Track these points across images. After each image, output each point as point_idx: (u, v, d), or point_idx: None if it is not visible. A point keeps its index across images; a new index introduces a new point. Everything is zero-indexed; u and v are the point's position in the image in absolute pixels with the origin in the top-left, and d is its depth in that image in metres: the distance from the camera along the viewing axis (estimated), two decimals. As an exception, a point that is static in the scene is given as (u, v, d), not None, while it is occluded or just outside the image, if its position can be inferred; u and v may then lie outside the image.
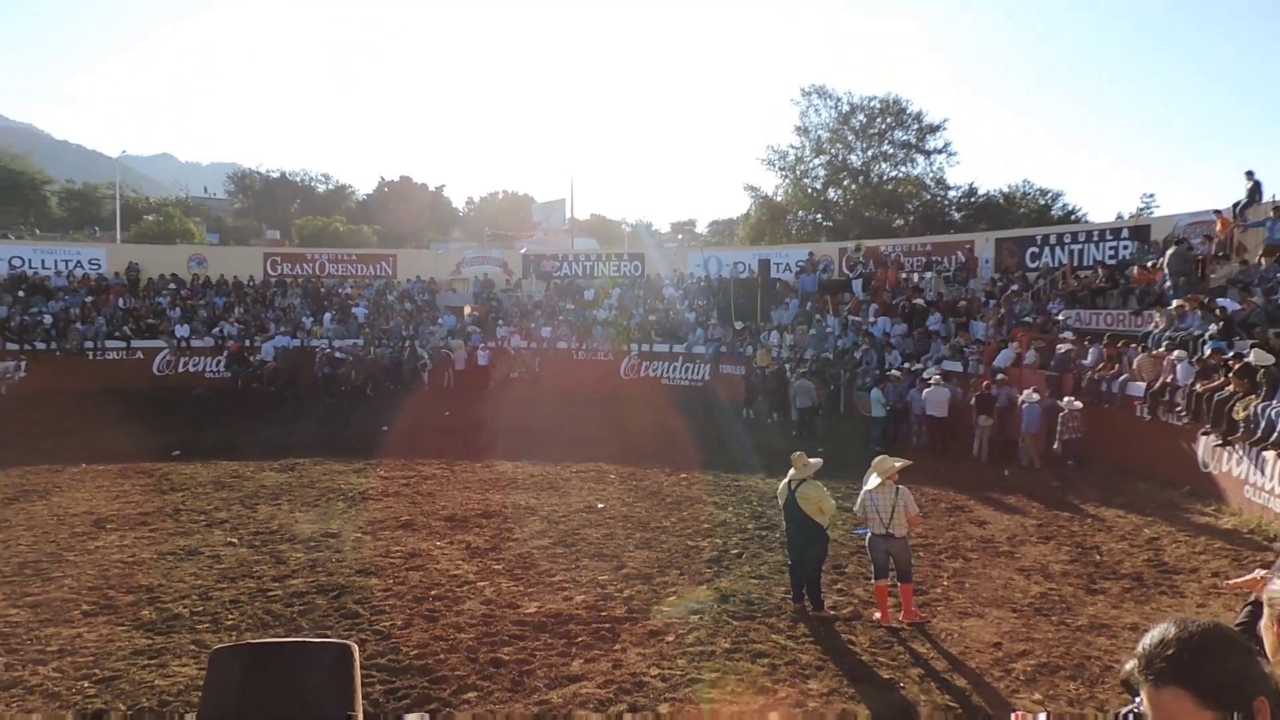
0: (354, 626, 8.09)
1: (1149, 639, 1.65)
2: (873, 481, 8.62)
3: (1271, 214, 18.40)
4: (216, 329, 27.48)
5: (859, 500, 8.78)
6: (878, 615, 8.46)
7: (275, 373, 24.77)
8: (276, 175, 75.62)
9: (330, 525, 11.62)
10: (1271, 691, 1.61)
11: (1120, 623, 8.34)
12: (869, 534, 8.63)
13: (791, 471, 8.82)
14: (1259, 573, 2.93)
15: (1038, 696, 6.86)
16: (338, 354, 25.78)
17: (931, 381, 17.34)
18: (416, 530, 11.47)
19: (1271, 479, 11.44)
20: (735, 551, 10.65)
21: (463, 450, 16.97)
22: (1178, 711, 1.57)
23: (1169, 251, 18.74)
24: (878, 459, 8.86)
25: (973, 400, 16.92)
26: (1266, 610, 2.02)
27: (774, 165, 45.35)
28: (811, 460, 8.89)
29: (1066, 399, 15.39)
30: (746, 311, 26.70)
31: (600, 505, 12.89)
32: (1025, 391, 16.14)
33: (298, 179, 76.21)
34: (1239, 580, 3.19)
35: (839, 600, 9.03)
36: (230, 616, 8.28)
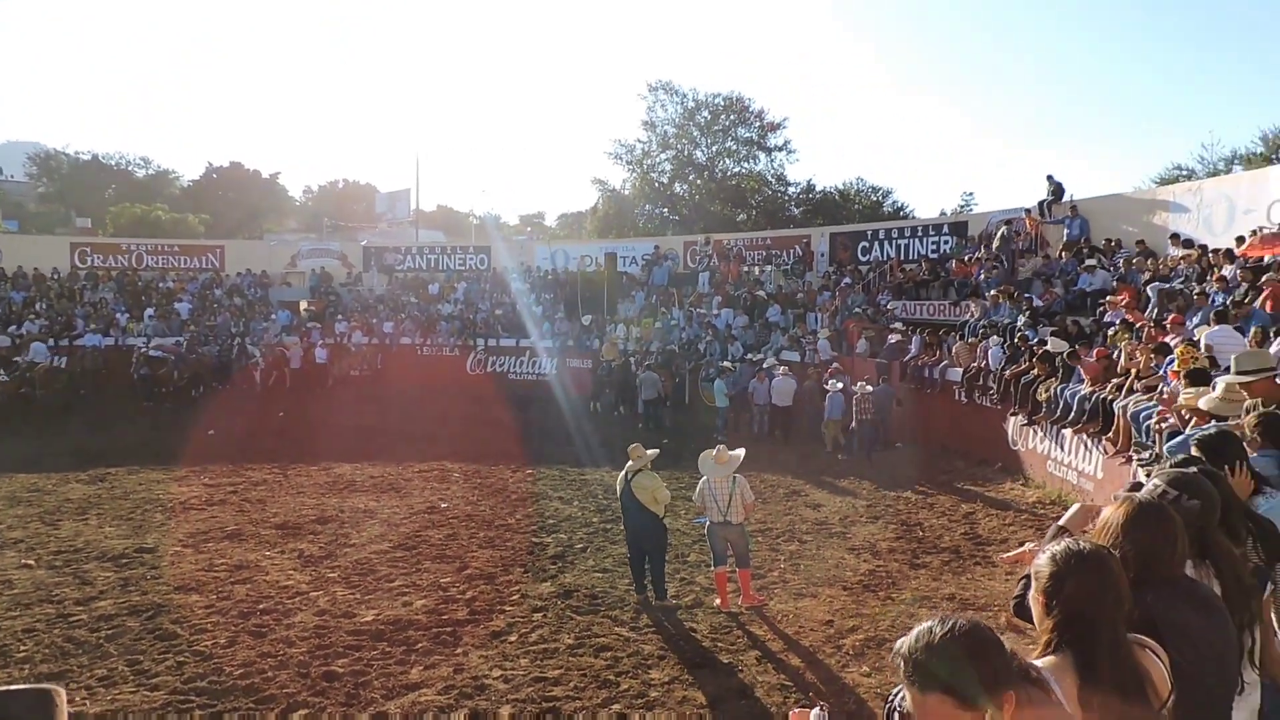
0: (171, 648, 7.54)
1: (912, 641, 1.74)
2: (710, 470, 8.82)
3: (1069, 213, 20.16)
4: (14, 327, 24.99)
5: (698, 489, 8.96)
6: (718, 601, 8.67)
7: (50, 375, 22.60)
8: (87, 157, 69.39)
9: (145, 539, 10.79)
10: (1019, 679, 1.74)
11: (940, 594, 8.91)
12: (708, 522, 8.83)
13: (629, 463, 8.91)
14: (1028, 546, 3.14)
15: (865, 669, 7.22)
16: (154, 353, 23.98)
17: (779, 372, 17.93)
18: (244, 540, 10.83)
19: (1069, 454, 12.51)
20: (580, 546, 10.66)
21: (297, 453, 16.18)
22: (941, 715, 1.67)
23: (998, 234, 20.54)
24: (716, 449, 9.06)
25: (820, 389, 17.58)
26: (1034, 583, 2.17)
27: (621, 159, 45.68)
28: (648, 451, 9.01)
29: (859, 384, 16.34)
30: (593, 305, 26.81)
31: (443, 505, 12.60)
32: (830, 381, 16.99)
33: (112, 162, 70.20)
34: (1011, 555, 3.43)
35: (681, 589, 9.20)
36: (22, 648, 7.52)
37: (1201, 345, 9.91)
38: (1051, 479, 13.01)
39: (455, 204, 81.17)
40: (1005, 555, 3.64)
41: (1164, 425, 8.98)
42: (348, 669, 7.17)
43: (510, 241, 46.95)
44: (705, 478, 8.84)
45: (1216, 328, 10.40)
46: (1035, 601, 2.16)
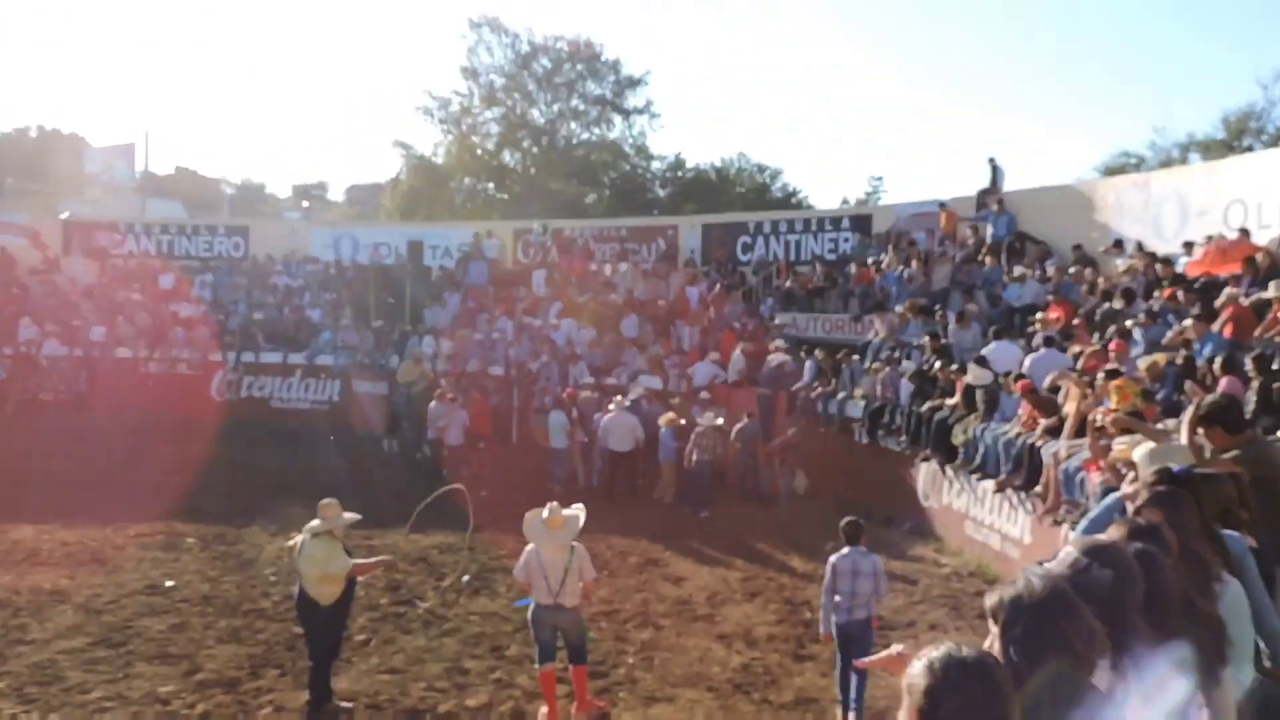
0: None
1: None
2: (540, 538, 8.73)
3: (995, 207, 21.30)
4: None
5: (521, 561, 8.84)
6: (544, 710, 8.60)
7: None
8: None
9: None
10: None
11: (829, 694, 9.12)
12: (533, 605, 8.73)
13: (313, 522, 8.73)
14: (896, 648, 3.26)
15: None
16: None
17: (611, 407, 17.99)
18: None
19: (990, 512, 13.16)
20: (362, 637, 10.39)
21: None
22: None
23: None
24: (548, 508, 8.95)
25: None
26: (906, 698, 2.24)
27: (433, 116, 45.15)
28: (346, 514, 8.84)
29: (706, 414, 16.94)
30: (392, 309, 26.33)
31: (170, 584, 12.05)
32: (665, 415, 17.83)
33: None
34: (873, 659, 3.55)
35: (497, 693, 9.06)
36: None
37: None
38: (970, 544, 13.64)
39: (201, 167, 78.19)
40: (865, 660, 3.78)
41: (1099, 480, 9.60)
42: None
43: (280, 221, 45.60)
44: (533, 546, 8.75)
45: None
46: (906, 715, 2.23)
